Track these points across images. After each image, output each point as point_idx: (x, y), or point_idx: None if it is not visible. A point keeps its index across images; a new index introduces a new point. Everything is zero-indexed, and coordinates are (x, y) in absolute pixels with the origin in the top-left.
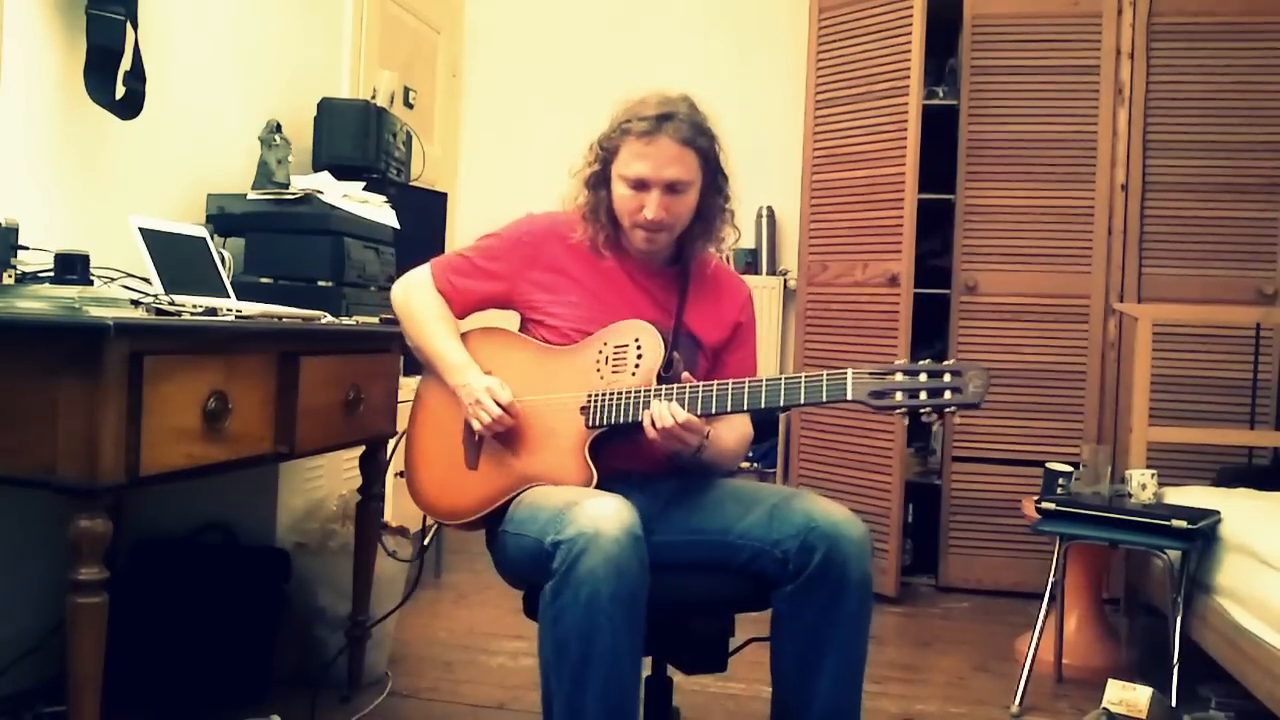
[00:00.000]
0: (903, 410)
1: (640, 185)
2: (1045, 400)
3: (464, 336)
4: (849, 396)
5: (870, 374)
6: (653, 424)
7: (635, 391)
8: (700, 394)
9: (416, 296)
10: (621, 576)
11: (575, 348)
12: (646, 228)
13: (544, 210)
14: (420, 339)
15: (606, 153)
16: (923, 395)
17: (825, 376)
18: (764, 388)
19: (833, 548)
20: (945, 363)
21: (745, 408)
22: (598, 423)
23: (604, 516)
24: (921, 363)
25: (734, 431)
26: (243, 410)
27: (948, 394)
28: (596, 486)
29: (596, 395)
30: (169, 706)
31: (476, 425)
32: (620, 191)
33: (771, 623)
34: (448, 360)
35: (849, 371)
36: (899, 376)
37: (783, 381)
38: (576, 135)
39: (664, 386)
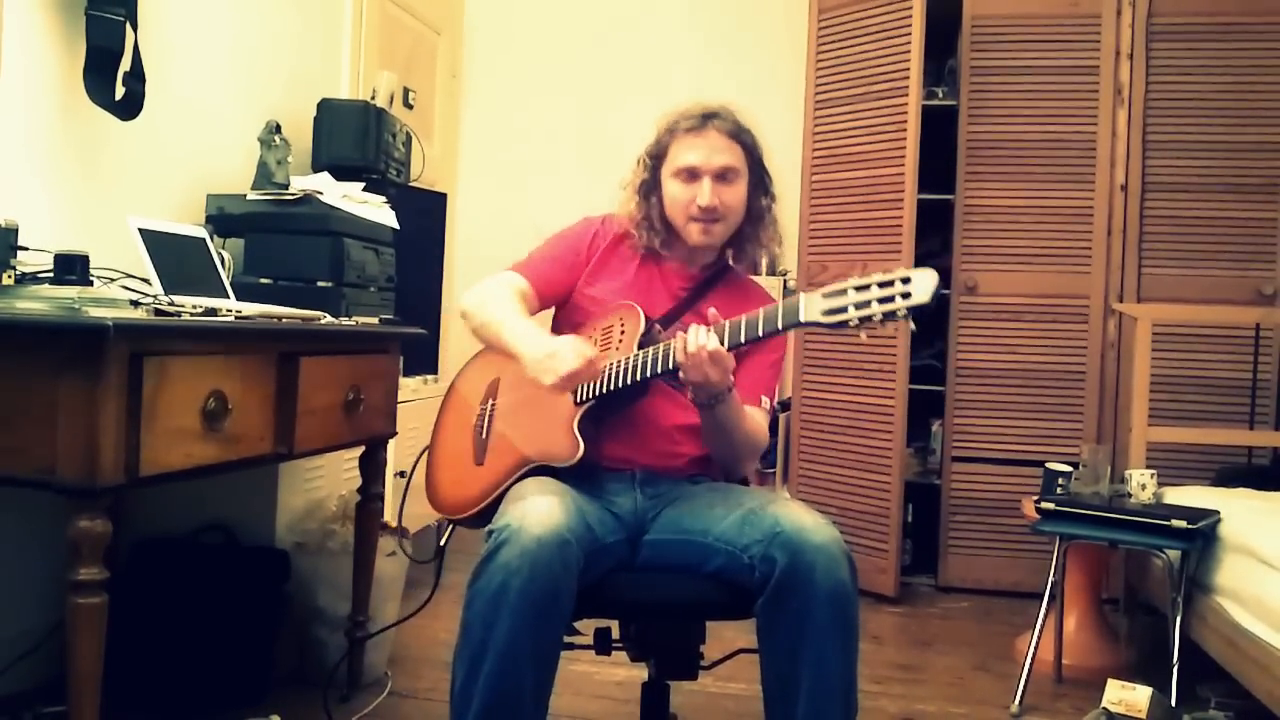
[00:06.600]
0: (855, 323)
1: (692, 175)
2: (1045, 400)
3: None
4: (803, 319)
5: (823, 294)
6: (684, 349)
7: (615, 362)
8: (667, 350)
9: (489, 288)
10: (535, 574)
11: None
12: (702, 218)
13: (600, 213)
14: (487, 318)
15: (655, 160)
16: (874, 305)
17: (781, 304)
18: (726, 327)
19: (796, 555)
20: (895, 271)
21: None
22: (584, 397)
23: (532, 513)
24: (873, 275)
25: (749, 418)
26: (242, 411)
27: (898, 300)
28: (604, 484)
29: None
30: (169, 707)
31: (564, 370)
32: (672, 190)
33: (756, 636)
34: (515, 331)
35: (801, 295)
36: (851, 293)
37: (743, 320)
38: (576, 136)
39: (642, 351)
